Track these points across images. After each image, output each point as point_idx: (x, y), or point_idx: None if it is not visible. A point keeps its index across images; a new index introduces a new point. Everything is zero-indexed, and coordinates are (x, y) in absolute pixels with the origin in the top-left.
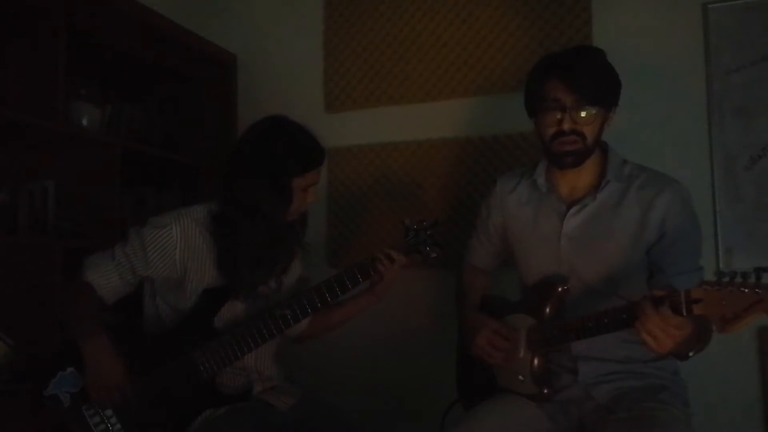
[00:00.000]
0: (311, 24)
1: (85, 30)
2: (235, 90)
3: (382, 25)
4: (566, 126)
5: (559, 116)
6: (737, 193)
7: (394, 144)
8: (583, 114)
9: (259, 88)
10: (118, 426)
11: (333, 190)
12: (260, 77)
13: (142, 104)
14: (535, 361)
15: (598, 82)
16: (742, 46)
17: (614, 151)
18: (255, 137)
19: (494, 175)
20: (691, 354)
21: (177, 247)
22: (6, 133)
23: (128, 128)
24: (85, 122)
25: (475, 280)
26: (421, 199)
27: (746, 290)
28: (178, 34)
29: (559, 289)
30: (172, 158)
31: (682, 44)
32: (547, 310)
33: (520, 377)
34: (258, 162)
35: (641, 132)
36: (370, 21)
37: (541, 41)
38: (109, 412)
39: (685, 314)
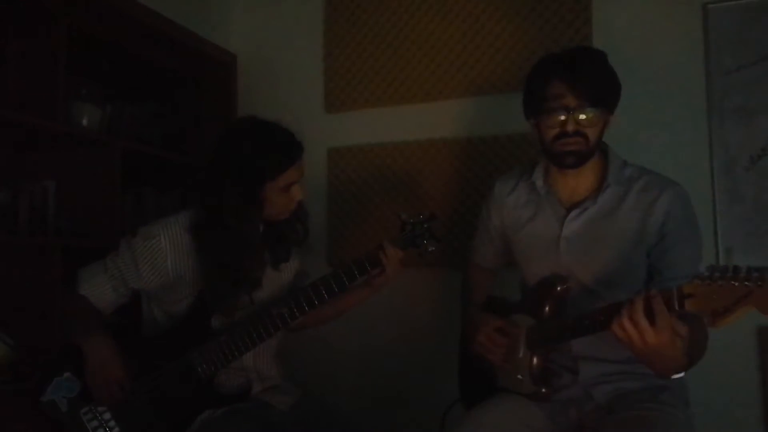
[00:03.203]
0: (311, 24)
1: (85, 30)
2: (235, 90)
3: (382, 25)
4: (570, 128)
5: (562, 118)
6: (737, 193)
7: (394, 144)
8: (586, 116)
9: (259, 88)
10: (117, 430)
11: (333, 190)
12: (260, 77)
13: (142, 104)
14: (534, 361)
15: (602, 83)
16: (742, 46)
17: (614, 153)
18: (223, 142)
19: (494, 175)
20: (671, 377)
21: (168, 257)
22: (6, 133)
23: (128, 128)
24: (85, 122)
25: (479, 279)
26: (421, 199)
27: (736, 284)
28: (178, 34)
29: (558, 289)
30: (172, 158)
31: (682, 44)
32: (547, 309)
33: (519, 376)
34: (225, 168)
35: (641, 132)
36: (370, 21)
37: (541, 41)
38: (107, 415)
39: (677, 309)
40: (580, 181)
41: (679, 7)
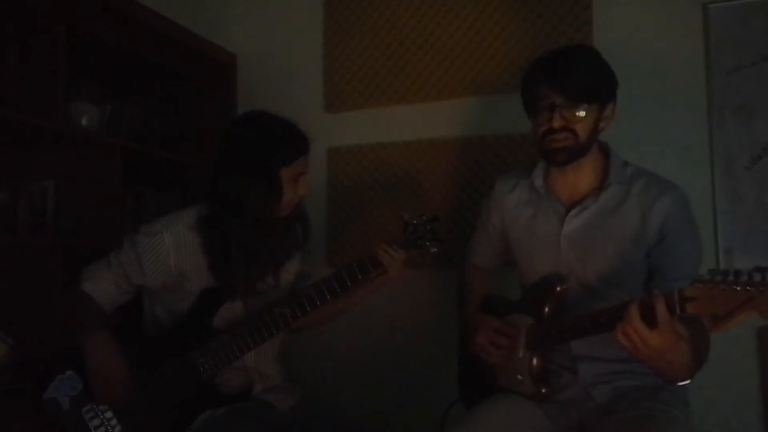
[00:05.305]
0: (311, 24)
1: (84, 30)
2: (235, 90)
3: (381, 25)
4: (556, 124)
5: (549, 115)
6: (737, 193)
7: (394, 144)
8: (573, 112)
9: (259, 88)
10: (118, 428)
11: (333, 190)
12: (260, 77)
13: (142, 104)
14: (534, 361)
15: (587, 80)
16: (742, 46)
17: (615, 153)
18: (236, 133)
19: (494, 175)
20: (680, 382)
21: (170, 254)
22: (6, 133)
23: (128, 128)
24: (85, 122)
25: (476, 279)
26: (421, 199)
27: (738, 288)
28: (178, 34)
29: (558, 289)
30: (172, 158)
31: (682, 44)
32: (546, 309)
33: (519, 377)
34: (241, 157)
35: (641, 132)
36: (370, 21)
37: (541, 41)
38: (108, 414)
39: (678, 312)
40: (579, 179)
41: (679, 6)
